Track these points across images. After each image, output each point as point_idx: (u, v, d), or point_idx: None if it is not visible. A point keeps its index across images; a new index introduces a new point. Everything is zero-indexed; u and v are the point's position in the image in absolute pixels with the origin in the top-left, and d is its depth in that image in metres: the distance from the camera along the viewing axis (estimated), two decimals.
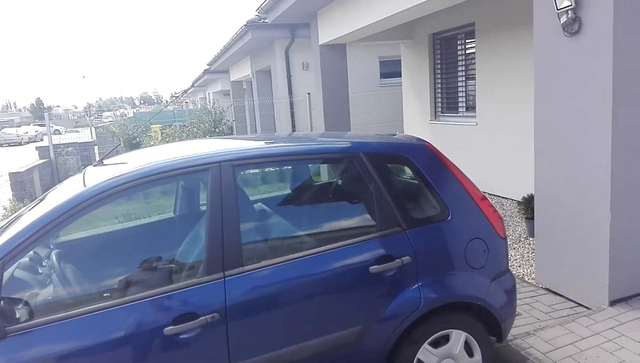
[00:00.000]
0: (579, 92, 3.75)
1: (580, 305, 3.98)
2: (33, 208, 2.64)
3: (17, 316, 2.13)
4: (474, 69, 7.91)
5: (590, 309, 3.86)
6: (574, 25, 3.69)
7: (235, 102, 17.44)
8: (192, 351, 2.27)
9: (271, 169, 5.86)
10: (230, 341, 2.32)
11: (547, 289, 4.32)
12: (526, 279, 4.64)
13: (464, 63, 8.36)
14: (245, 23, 12.12)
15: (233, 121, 16.43)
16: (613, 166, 3.57)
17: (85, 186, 2.40)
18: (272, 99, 14.61)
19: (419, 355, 2.69)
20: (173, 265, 2.56)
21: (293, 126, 13.66)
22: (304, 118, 13.18)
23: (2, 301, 2.09)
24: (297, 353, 2.46)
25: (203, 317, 2.27)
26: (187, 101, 39.20)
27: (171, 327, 2.23)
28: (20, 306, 2.18)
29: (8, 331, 2.05)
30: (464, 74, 8.39)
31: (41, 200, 2.77)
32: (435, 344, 2.74)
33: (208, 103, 18.59)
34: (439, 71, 9.08)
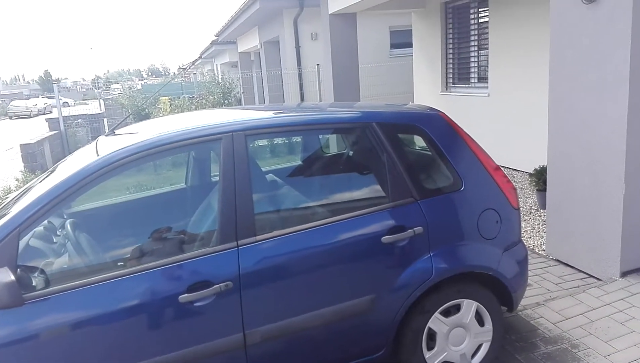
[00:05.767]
0: (596, 60, 3.66)
1: (590, 276, 3.98)
2: (45, 178, 2.65)
3: (33, 284, 2.16)
4: (487, 38, 7.75)
5: (601, 280, 3.86)
6: None
7: (243, 74, 17.33)
8: (206, 318, 2.30)
9: (280, 141, 5.84)
10: (244, 309, 2.35)
11: (557, 260, 4.32)
12: (537, 250, 4.63)
13: (476, 33, 8.20)
14: None
15: (242, 92, 16.37)
16: (629, 135, 3.51)
17: (98, 155, 2.40)
18: (280, 71, 14.48)
19: (430, 324, 2.71)
20: (186, 235, 2.58)
21: (302, 98, 13.56)
22: (312, 90, 13.05)
23: (18, 270, 2.11)
24: (310, 321, 2.48)
25: (217, 285, 2.29)
26: (195, 72, 38.98)
27: (186, 295, 2.25)
28: (36, 274, 2.21)
29: (25, 298, 2.08)
30: (476, 44, 8.23)
31: (52, 171, 2.77)
32: (447, 313, 2.75)
33: (216, 75, 18.48)
34: (450, 41, 8.90)
